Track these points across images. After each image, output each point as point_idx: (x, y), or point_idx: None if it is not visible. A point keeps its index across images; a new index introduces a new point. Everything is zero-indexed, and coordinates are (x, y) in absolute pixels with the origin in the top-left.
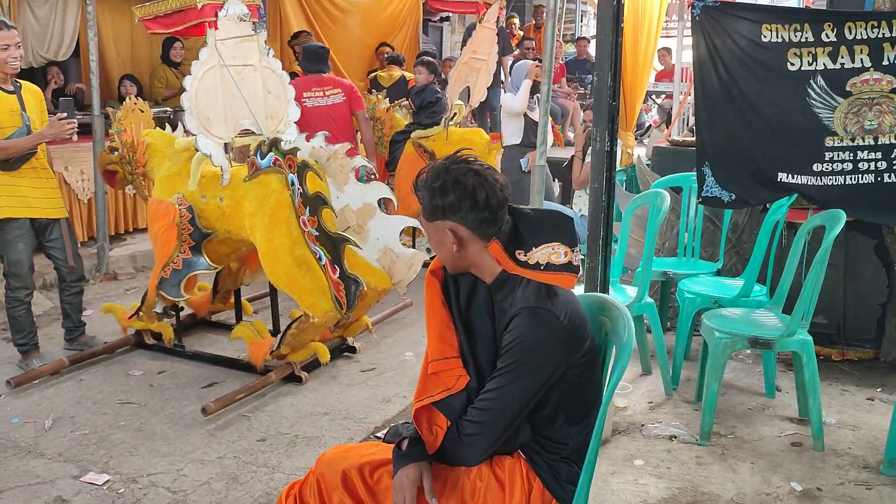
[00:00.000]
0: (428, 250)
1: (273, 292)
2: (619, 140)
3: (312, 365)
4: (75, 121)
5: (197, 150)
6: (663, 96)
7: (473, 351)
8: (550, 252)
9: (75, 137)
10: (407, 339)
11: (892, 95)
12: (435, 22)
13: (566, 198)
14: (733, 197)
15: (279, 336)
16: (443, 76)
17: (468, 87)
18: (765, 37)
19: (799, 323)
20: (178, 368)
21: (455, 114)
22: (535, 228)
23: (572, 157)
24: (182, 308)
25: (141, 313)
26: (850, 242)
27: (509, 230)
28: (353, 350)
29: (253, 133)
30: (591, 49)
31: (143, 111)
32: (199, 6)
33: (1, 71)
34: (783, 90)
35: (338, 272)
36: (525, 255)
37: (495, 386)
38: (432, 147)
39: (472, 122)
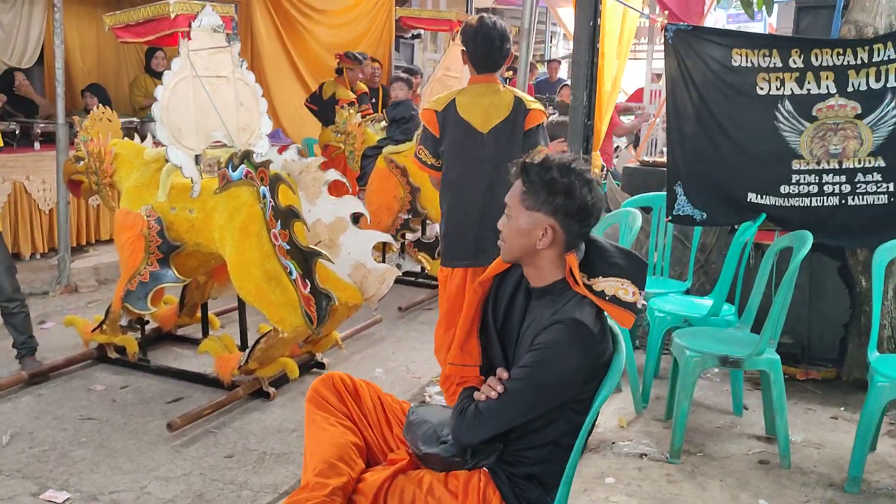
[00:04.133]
0: (399, 266)
1: (241, 306)
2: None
3: (280, 381)
4: None
5: (167, 161)
6: (632, 118)
7: (509, 359)
8: (618, 287)
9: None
10: (376, 355)
11: (856, 121)
12: (407, 39)
13: None
14: (705, 216)
15: (247, 351)
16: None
17: None
18: (735, 61)
19: (767, 342)
20: (143, 383)
21: None
22: (609, 260)
23: None
24: (147, 321)
25: (104, 326)
26: (814, 264)
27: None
28: (321, 366)
29: (224, 145)
30: (562, 72)
31: (110, 120)
32: (172, 16)
33: None
34: (752, 113)
35: (308, 287)
36: (588, 280)
37: (514, 378)
38: (404, 163)
39: None
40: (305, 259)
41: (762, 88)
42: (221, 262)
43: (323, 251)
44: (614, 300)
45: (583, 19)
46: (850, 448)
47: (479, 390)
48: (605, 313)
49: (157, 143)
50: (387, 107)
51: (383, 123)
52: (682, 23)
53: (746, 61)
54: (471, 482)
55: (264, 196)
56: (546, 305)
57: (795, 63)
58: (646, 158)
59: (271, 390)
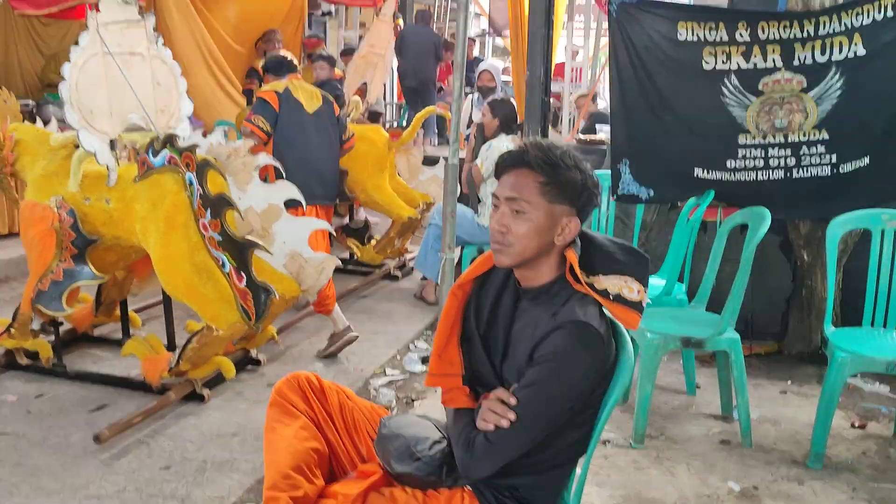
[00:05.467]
0: (350, 257)
1: (167, 302)
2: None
3: (214, 381)
4: None
5: (77, 147)
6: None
7: (495, 366)
8: (622, 285)
9: None
10: (314, 348)
11: (801, 94)
12: (318, 16)
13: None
14: (651, 193)
15: (178, 351)
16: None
17: (365, 82)
18: (681, 35)
19: (728, 322)
20: (60, 391)
21: (353, 110)
22: (608, 256)
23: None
24: (61, 323)
25: (12, 330)
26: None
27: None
28: (257, 363)
29: (142, 128)
30: (476, 50)
31: (6, 101)
32: None
33: None
34: (699, 88)
35: (244, 280)
36: (588, 278)
37: (524, 400)
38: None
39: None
40: (240, 250)
41: (708, 63)
42: (142, 256)
43: (259, 241)
44: (619, 299)
45: None
46: (805, 422)
47: (472, 412)
48: (608, 313)
49: (63, 128)
50: None
51: None
52: None
53: (692, 35)
54: (452, 502)
55: (191, 183)
56: (541, 307)
57: (742, 37)
58: (581, 137)
59: (206, 392)
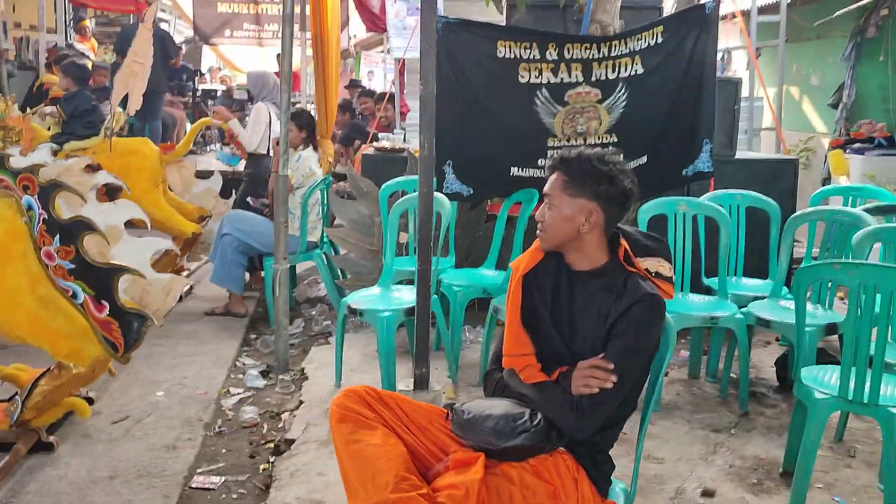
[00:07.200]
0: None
1: None
2: (318, 148)
3: (51, 428)
4: None
5: None
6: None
7: (564, 339)
8: (658, 265)
9: None
10: (147, 378)
11: (597, 105)
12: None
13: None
14: (472, 191)
15: (21, 397)
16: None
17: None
18: (500, 52)
19: None
20: None
21: (115, 123)
22: (641, 243)
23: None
24: None
25: None
26: None
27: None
28: (90, 400)
29: None
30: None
31: None
32: None
33: None
34: (515, 99)
35: (108, 309)
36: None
37: (619, 362)
38: (97, 160)
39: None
40: (101, 277)
41: (523, 77)
42: None
43: (130, 265)
44: (658, 276)
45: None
46: None
47: (556, 383)
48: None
49: None
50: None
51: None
52: (448, 16)
53: (510, 53)
54: (559, 466)
55: (30, 208)
56: (601, 286)
57: (552, 55)
58: (385, 145)
59: (53, 440)
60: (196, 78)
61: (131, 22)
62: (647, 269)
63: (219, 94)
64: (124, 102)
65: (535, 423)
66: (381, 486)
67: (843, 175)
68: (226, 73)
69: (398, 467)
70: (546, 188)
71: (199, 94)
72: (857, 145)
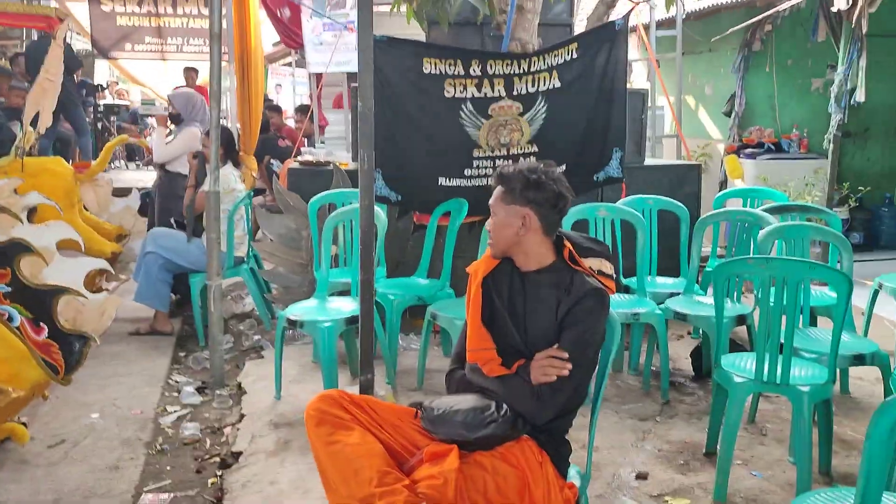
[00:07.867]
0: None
1: None
2: (241, 164)
3: None
4: None
5: None
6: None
7: (520, 333)
8: (600, 264)
9: None
10: (81, 400)
11: (518, 118)
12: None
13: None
14: (400, 197)
15: None
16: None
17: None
18: (426, 69)
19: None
20: None
21: (26, 142)
22: (584, 245)
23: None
24: None
25: None
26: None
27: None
28: (23, 425)
29: None
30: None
31: None
32: None
33: None
34: (441, 112)
35: (46, 331)
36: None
37: (573, 352)
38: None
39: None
40: (40, 299)
41: (449, 92)
42: None
43: (71, 286)
44: (601, 273)
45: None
46: None
47: (516, 375)
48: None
49: None
50: None
51: None
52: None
53: (435, 69)
54: (525, 451)
55: None
56: (550, 283)
57: (475, 71)
58: (309, 158)
59: None
60: (95, 93)
61: (35, 38)
62: (590, 268)
63: (121, 110)
64: (34, 121)
65: (502, 413)
66: (365, 481)
67: (739, 178)
68: (122, 86)
69: (379, 463)
70: (490, 201)
71: (100, 109)
72: (749, 150)
